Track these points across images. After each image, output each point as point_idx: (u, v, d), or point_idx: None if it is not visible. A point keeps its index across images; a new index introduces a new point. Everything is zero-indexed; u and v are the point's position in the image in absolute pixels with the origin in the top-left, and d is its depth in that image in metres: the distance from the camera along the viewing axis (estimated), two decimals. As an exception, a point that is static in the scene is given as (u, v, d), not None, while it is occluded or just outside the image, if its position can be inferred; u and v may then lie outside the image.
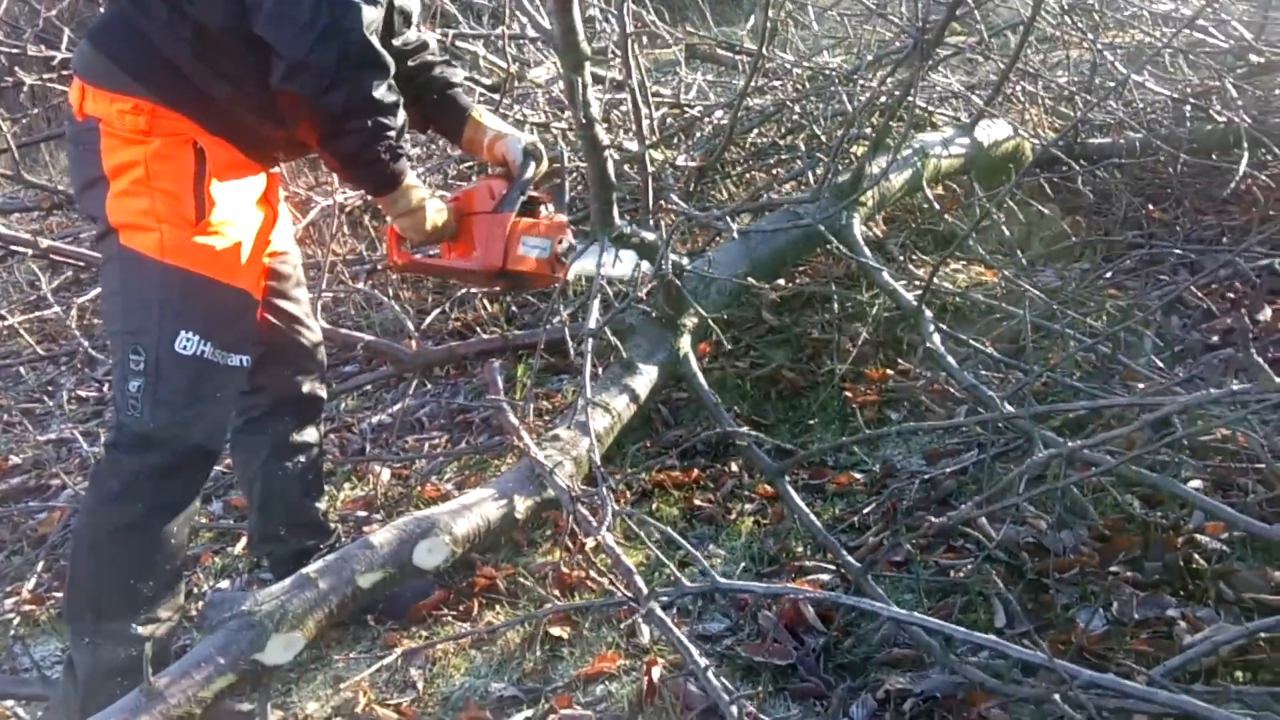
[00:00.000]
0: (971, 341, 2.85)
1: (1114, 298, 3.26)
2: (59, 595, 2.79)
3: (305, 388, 2.44)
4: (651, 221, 2.53)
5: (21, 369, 4.37)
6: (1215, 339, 3.01)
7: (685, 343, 2.93)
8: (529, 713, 2.11)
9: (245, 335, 2.13)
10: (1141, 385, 2.67)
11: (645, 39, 5.00)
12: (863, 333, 3.26)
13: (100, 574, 2.06)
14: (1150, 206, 3.90)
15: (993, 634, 1.81)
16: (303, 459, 2.46)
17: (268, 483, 2.44)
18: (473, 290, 4.01)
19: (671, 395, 3.25)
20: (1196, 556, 2.17)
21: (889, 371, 3.19)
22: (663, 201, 3.09)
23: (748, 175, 4.43)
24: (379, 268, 4.25)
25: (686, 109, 4.63)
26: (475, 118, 2.44)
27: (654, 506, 2.77)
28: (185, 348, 2.00)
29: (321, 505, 2.56)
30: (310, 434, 2.49)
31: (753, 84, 3.44)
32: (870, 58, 4.20)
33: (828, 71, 4.25)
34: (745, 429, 2.72)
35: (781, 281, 3.58)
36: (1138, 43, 4.52)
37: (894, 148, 3.41)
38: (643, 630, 2.27)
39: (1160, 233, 3.70)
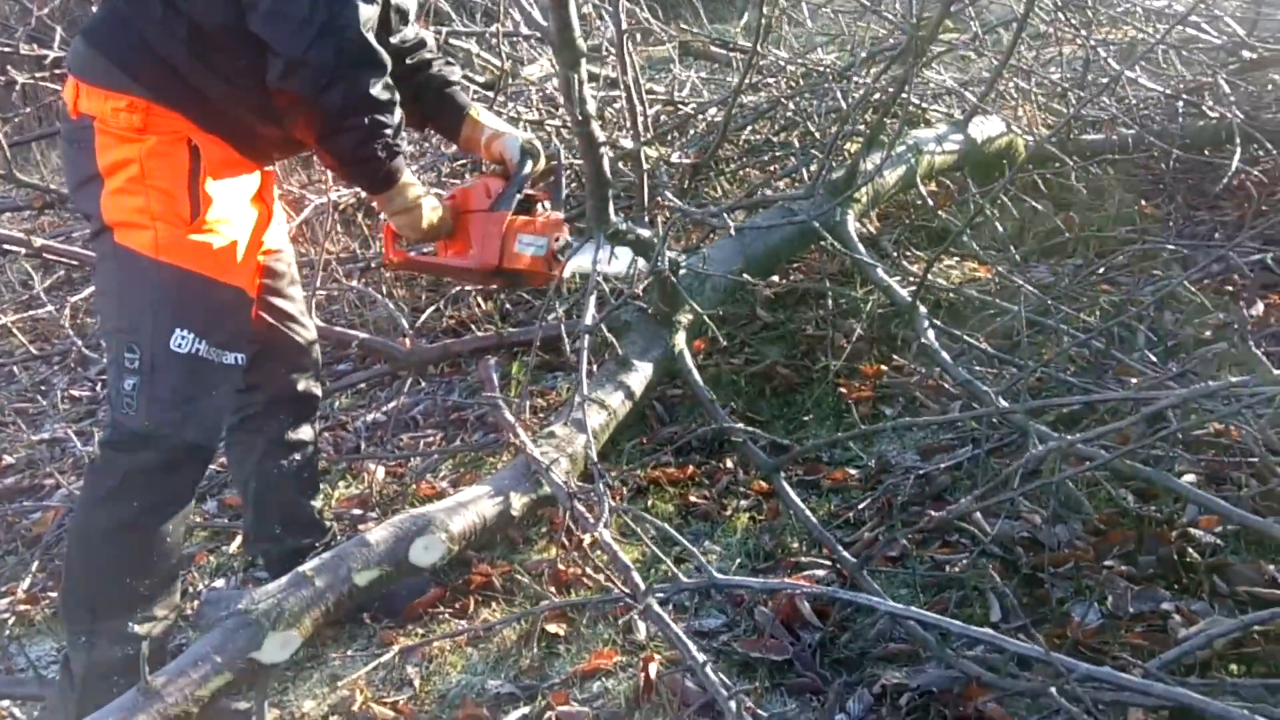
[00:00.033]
0: (966, 337, 2.85)
1: (1107, 293, 3.27)
2: (54, 595, 2.79)
3: (300, 386, 2.43)
4: (647, 218, 2.53)
5: (15, 368, 4.35)
6: (1208, 334, 3.02)
7: (680, 339, 2.93)
8: (526, 710, 2.11)
9: (240, 333, 2.13)
10: (1135, 380, 2.68)
11: (639, 36, 5.00)
12: (857, 329, 3.26)
13: (96, 572, 2.05)
14: (1143, 202, 3.91)
15: (988, 629, 1.81)
16: (298, 457, 2.46)
17: (263, 481, 2.43)
18: (467, 288, 4.00)
19: (666, 392, 3.25)
20: (1190, 550, 2.18)
21: (883, 368, 3.19)
22: (659, 199, 3.09)
23: (741, 172, 4.44)
24: (372, 265, 4.24)
25: (680, 106, 4.63)
26: (473, 116, 2.44)
27: (649, 503, 2.77)
28: (180, 346, 1.99)
29: (317, 503, 2.56)
30: (305, 432, 2.48)
31: (747, 81, 3.43)
32: (864, 55, 4.20)
33: (822, 68, 4.25)
34: (741, 425, 2.72)
35: (775, 278, 3.58)
36: (1131, 39, 4.52)
37: (888, 144, 3.41)
38: (639, 627, 2.28)
39: (1153, 228, 3.71)
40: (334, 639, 2.44)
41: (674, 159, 4.09)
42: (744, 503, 2.72)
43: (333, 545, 2.39)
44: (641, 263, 2.65)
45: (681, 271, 2.78)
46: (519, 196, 2.39)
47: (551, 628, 2.33)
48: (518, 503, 2.33)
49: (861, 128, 3.91)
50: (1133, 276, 3.43)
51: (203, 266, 2.01)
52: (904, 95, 3.22)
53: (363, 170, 2.11)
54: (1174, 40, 4.32)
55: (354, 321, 4.12)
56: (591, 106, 2.12)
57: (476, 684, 2.22)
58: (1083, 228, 3.75)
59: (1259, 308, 3.10)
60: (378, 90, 1.98)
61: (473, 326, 3.91)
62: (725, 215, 2.46)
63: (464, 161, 4.79)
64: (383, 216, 2.35)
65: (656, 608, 1.84)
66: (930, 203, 3.79)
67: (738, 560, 2.49)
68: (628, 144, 3.46)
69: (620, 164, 3.70)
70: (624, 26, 2.30)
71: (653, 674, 2.08)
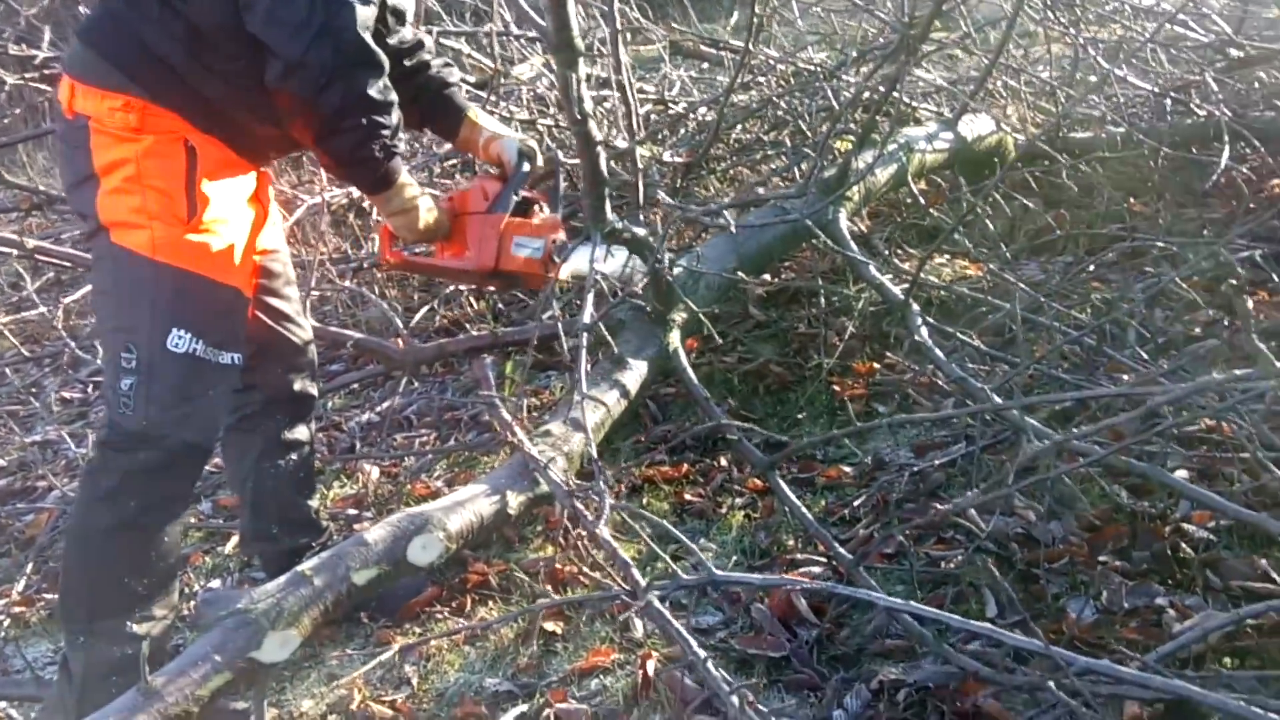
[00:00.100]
0: (959, 335, 2.87)
1: (1097, 290, 3.29)
2: (49, 597, 2.79)
3: (296, 386, 2.44)
4: (642, 217, 2.54)
5: (6, 370, 4.34)
6: (1198, 330, 3.04)
7: (675, 338, 2.94)
8: (524, 708, 2.12)
9: (237, 333, 2.13)
10: (1126, 377, 2.69)
11: (629, 35, 5.00)
12: (849, 327, 3.28)
13: (94, 572, 2.05)
14: (1131, 200, 3.93)
15: (987, 624, 1.82)
16: (295, 457, 2.46)
17: (260, 481, 2.43)
18: (460, 287, 4.00)
19: (659, 391, 3.25)
20: (1184, 545, 2.20)
21: (876, 365, 3.20)
22: (655, 198, 3.09)
23: (732, 171, 4.44)
24: (364, 266, 4.24)
25: (671, 105, 4.64)
26: (471, 118, 2.44)
27: (644, 501, 2.78)
28: (177, 345, 1.99)
29: (314, 503, 2.56)
30: (302, 432, 2.49)
31: (738, 80, 3.44)
32: (854, 54, 4.21)
33: (813, 67, 4.26)
34: (736, 423, 2.73)
35: (767, 277, 3.59)
36: (1119, 37, 4.54)
37: (880, 143, 3.42)
38: (636, 624, 2.28)
39: (1142, 226, 3.72)
40: (331, 638, 2.44)
41: (666, 158, 4.09)
42: (739, 500, 2.73)
43: (329, 545, 2.38)
44: (637, 261, 2.66)
45: (676, 270, 2.79)
46: (516, 198, 2.40)
47: (549, 626, 2.33)
48: (515, 501, 2.33)
49: (853, 126, 3.92)
50: (1123, 274, 3.45)
51: (200, 266, 2.01)
52: (896, 93, 3.23)
53: (360, 171, 2.12)
54: (1161, 38, 4.34)
55: (346, 322, 4.11)
56: (589, 105, 2.13)
57: (474, 682, 2.22)
58: (1073, 225, 3.77)
59: (1249, 304, 3.11)
60: (376, 91, 1.98)
61: (466, 326, 3.91)
62: (727, 214, 2.46)
63: (455, 161, 4.79)
64: (376, 216, 2.35)
65: (657, 604, 1.85)
66: (921, 201, 3.81)
67: (733, 558, 2.50)
68: (620, 144, 3.48)
69: (613, 163, 3.71)
70: (619, 25, 2.29)
71: (650, 671, 2.09)
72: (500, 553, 2.66)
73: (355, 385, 3.79)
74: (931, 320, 2.90)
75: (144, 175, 1.96)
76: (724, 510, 2.69)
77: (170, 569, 2.14)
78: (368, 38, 1.94)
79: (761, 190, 4.01)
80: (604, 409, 2.67)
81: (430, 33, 4.29)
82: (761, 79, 4.53)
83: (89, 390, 4.25)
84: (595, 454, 2.22)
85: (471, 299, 4.07)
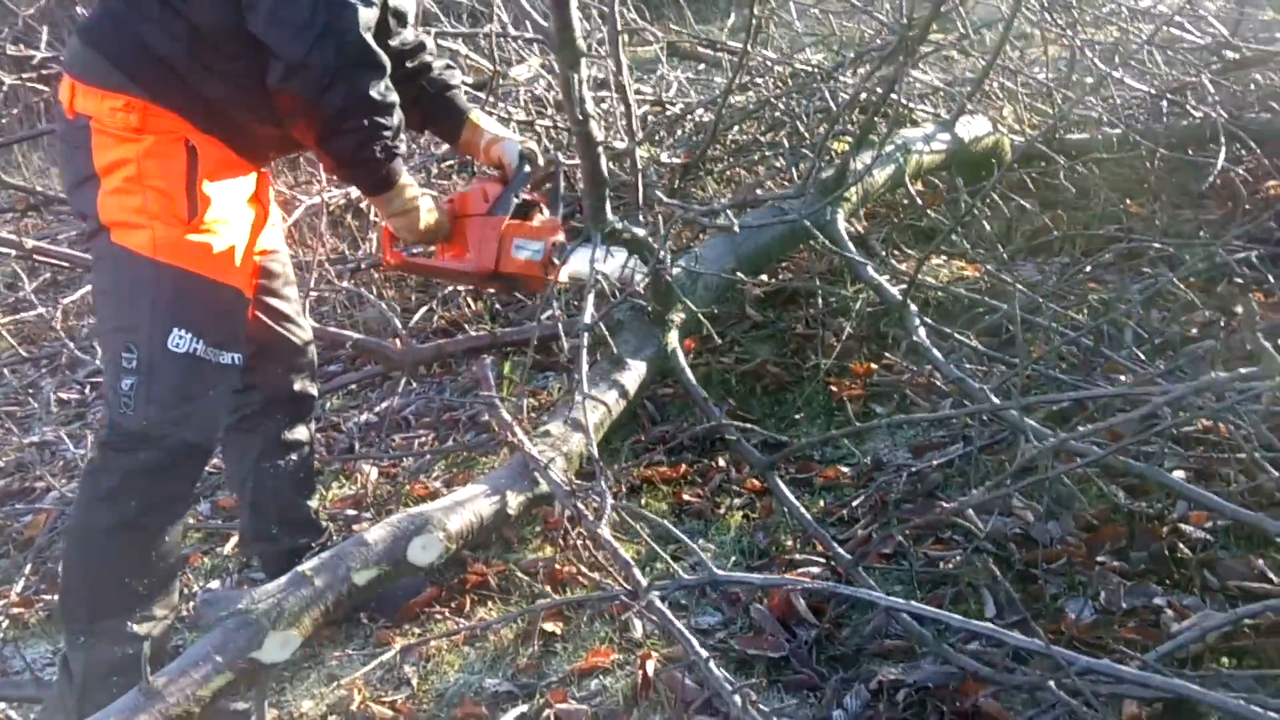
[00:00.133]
0: (956, 336, 2.87)
1: (1094, 291, 3.30)
2: (48, 598, 2.78)
3: (296, 386, 2.44)
4: (642, 218, 2.55)
5: (5, 371, 4.33)
6: (1194, 331, 3.05)
7: (673, 338, 2.94)
8: (524, 708, 2.12)
9: (237, 333, 2.13)
10: (1124, 377, 2.70)
11: (626, 37, 5.00)
12: (846, 328, 3.28)
13: (94, 572, 2.05)
14: (1128, 201, 3.94)
15: (988, 623, 1.83)
16: (294, 457, 2.46)
17: (260, 481, 2.43)
18: (457, 288, 4.01)
19: (657, 391, 3.26)
20: (1181, 546, 2.21)
21: (873, 366, 3.21)
22: (657, 199, 3.10)
23: (729, 172, 4.45)
24: (362, 266, 4.24)
25: (668, 106, 4.65)
26: (473, 120, 2.45)
27: (642, 502, 2.78)
28: (178, 345, 2.00)
29: (313, 503, 2.56)
30: (301, 432, 2.49)
31: (736, 81, 3.45)
32: (852, 55, 4.22)
33: (810, 68, 4.27)
34: (736, 423, 2.74)
35: (765, 278, 3.59)
36: (1116, 39, 4.55)
37: (879, 143, 3.42)
38: (635, 625, 2.29)
39: (1138, 227, 3.73)
40: (331, 639, 2.44)
41: (663, 159, 4.10)
42: (737, 501, 2.73)
43: (329, 545, 2.39)
44: (635, 261, 2.66)
45: (675, 270, 2.80)
46: (516, 201, 2.41)
47: (548, 626, 2.34)
48: (514, 501, 2.33)
49: (850, 127, 3.93)
50: (1119, 275, 3.45)
51: (200, 267, 2.02)
52: (894, 94, 3.23)
53: (362, 172, 2.12)
54: (1158, 40, 4.35)
55: (343, 323, 4.11)
56: (590, 106, 2.13)
57: (474, 682, 2.23)
58: (1069, 226, 3.78)
59: (1251, 303, 3.12)
60: (378, 92, 1.98)
61: (464, 327, 3.91)
62: (729, 214, 2.47)
63: (452, 162, 4.80)
64: (374, 218, 2.36)
65: (659, 604, 1.85)
66: (919, 202, 3.81)
67: (732, 558, 2.50)
68: (617, 145, 3.48)
69: (611, 164, 3.72)
70: (619, 26, 2.30)
71: (650, 671, 2.09)
72: (499, 553, 2.66)
73: (353, 386, 3.80)
74: (929, 321, 2.91)
75: (145, 175, 1.96)
76: (722, 511, 2.70)
77: (171, 569, 2.14)
78: (370, 39, 1.94)
79: (760, 191, 4.02)
80: (603, 409, 2.67)
81: (428, 34, 4.29)
82: (759, 80, 4.53)
83: (86, 391, 4.25)
84: (596, 453, 2.22)
85: (469, 300, 4.07)
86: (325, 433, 3.53)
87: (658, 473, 2.88)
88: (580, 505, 2.15)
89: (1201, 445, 2.46)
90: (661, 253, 2.59)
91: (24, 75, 4.05)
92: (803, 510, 2.38)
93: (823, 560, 2.38)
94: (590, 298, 2.35)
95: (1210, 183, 3.75)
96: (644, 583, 1.92)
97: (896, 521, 2.45)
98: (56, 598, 2.71)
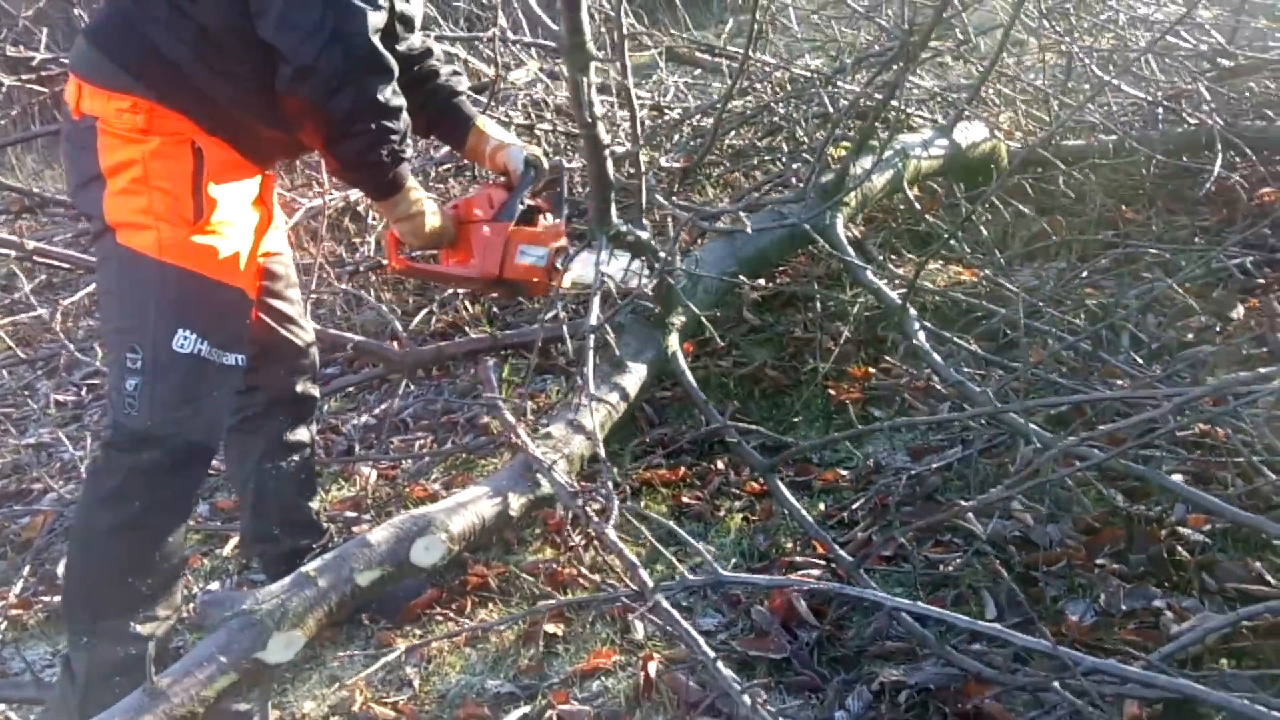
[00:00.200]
0: (956, 340, 2.89)
1: (1090, 296, 3.31)
2: (47, 599, 2.78)
3: (299, 387, 2.44)
4: (645, 220, 2.55)
5: (5, 373, 4.32)
6: (1190, 336, 3.07)
7: (674, 341, 2.95)
8: (526, 709, 2.13)
9: (241, 334, 2.13)
10: (1121, 382, 2.72)
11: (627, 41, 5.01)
12: (844, 331, 3.29)
13: (97, 573, 2.05)
14: (1124, 207, 3.96)
15: (995, 624, 1.84)
16: (296, 458, 2.47)
17: (262, 482, 2.44)
18: (457, 291, 4.02)
19: (655, 394, 3.26)
20: (1180, 548, 2.22)
21: (871, 370, 3.22)
22: (669, 201, 3.11)
23: (726, 177, 4.46)
24: (360, 269, 4.24)
25: (666, 111, 4.66)
26: (479, 126, 2.46)
27: (642, 504, 2.78)
28: (183, 346, 2.00)
29: (315, 505, 2.56)
30: (303, 433, 2.49)
31: (736, 86, 3.46)
32: (850, 60, 4.23)
33: (809, 74, 4.29)
34: (739, 425, 2.74)
35: (763, 281, 3.60)
36: (1113, 46, 4.58)
37: (879, 148, 3.44)
38: (636, 626, 2.29)
39: (1134, 233, 3.76)
40: (332, 640, 2.44)
41: (663, 163, 4.11)
42: (737, 504, 2.74)
43: (330, 547, 2.40)
44: (637, 265, 2.67)
45: (676, 273, 2.81)
46: (521, 207, 2.42)
47: (550, 628, 2.34)
48: (516, 503, 2.33)
49: (850, 132, 3.94)
50: (1117, 280, 3.47)
51: (205, 268, 2.02)
52: (895, 100, 3.25)
53: (368, 175, 2.13)
54: (1156, 47, 4.38)
55: (341, 325, 4.11)
56: (598, 109, 2.14)
57: (476, 684, 2.23)
58: (1067, 232, 3.80)
59: (1239, 310, 3.15)
60: (385, 96, 1.99)
61: (463, 329, 3.92)
62: (741, 215, 2.48)
63: (449, 165, 4.81)
64: (372, 220, 2.36)
65: (665, 604, 1.86)
66: (917, 207, 3.83)
67: (732, 560, 2.51)
68: (618, 149, 3.49)
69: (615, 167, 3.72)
70: (622, 30, 2.31)
71: (652, 673, 2.10)
72: (499, 555, 2.66)
73: (350, 388, 3.80)
74: (928, 325, 2.92)
75: (151, 176, 1.96)
76: (722, 513, 2.71)
77: (174, 569, 2.14)
78: (378, 43, 1.95)
79: (757, 195, 4.03)
80: (605, 411, 2.67)
81: (428, 38, 4.30)
82: (758, 85, 4.55)
83: (83, 393, 4.24)
84: (603, 453, 2.22)
85: (467, 302, 4.08)
86: (324, 435, 3.53)
87: (657, 475, 2.88)
88: (585, 506, 2.15)
89: (1199, 449, 2.48)
90: (671, 255, 2.60)
91: (24, 77, 4.05)
92: (804, 512, 2.39)
93: (823, 562, 2.39)
94: (596, 300, 2.36)
95: (1206, 189, 3.77)
96: (650, 584, 1.93)
97: (899, 524, 2.46)
98: (55, 599, 2.71)
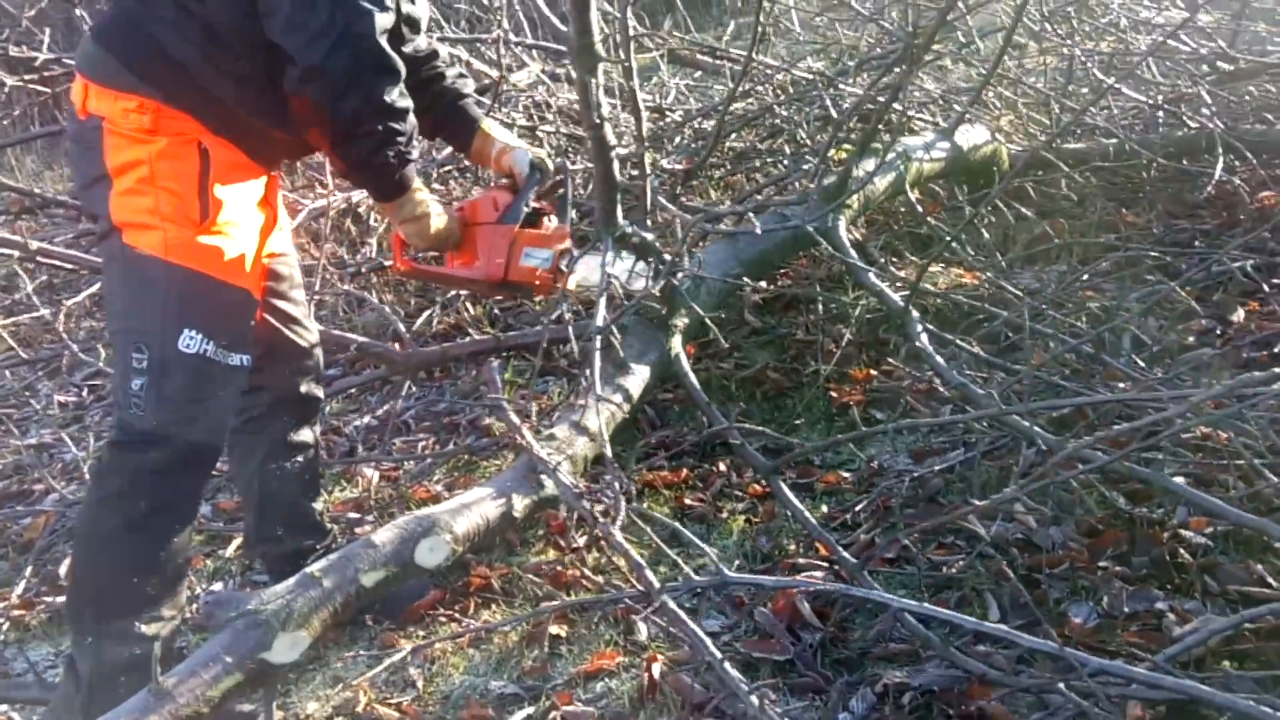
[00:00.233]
0: (958, 342, 2.89)
1: (1091, 299, 3.32)
2: (49, 600, 2.78)
3: (303, 388, 2.45)
4: (649, 222, 2.56)
5: (7, 374, 4.32)
6: (1191, 339, 3.08)
7: (677, 343, 2.95)
8: (530, 710, 2.13)
9: (246, 335, 2.13)
10: (1123, 385, 2.72)
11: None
12: (846, 334, 3.30)
13: (102, 573, 2.05)
14: (1124, 210, 3.97)
15: (1001, 625, 1.84)
16: (300, 459, 2.47)
17: (265, 483, 2.44)
18: (460, 293, 4.02)
19: (657, 396, 3.27)
20: (1182, 551, 2.22)
21: (873, 372, 3.23)
22: (664, 204, 3.11)
23: (728, 179, 4.47)
24: (362, 270, 4.25)
25: (668, 113, 4.67)
26: (484, 129, 2.47)
27: (645, 506, 2.78)
28: (188, 346, 2.00)
29: (319, 505, 2.56)
30: (307, 434, 2.50)
31: (739, 88, 3.47)
32: (853, 63, 4.24)
33: (811, 76, 4.29)
34: (743, 426, 2.75)
35: (764, 284, 3.61)
36: (1114, 50, 4.59)
37: (882, 151, 3.44)
38: (640, 628, 2.29)
39: (1135, 236, 3.76)
40: (335, 641, 2.44)
41: (664, 165, 4.12)
42: (739, 506, 2.74)
43: (334, 547, 2.40)
44: (642, 266, 2.68)
45: (680, 275, 2.81)
46: (526, 209, 2.43)
47: (553, 629, 2.34)
48: (520, 504, 2.34)
49: (852, 135, 3.95)
50: (1118, 283, 3.48)
51: (211, 268, 2.02)
52: (898, 102, 3.25)
53: (374, 176, 2.13)
54: (1157, 51, 4.38)
55: (342, 326, 4.11)
56: (606, 110, 2.15)
57: (480, 685, 2.23)
58: (1069, 234, 3.80)
59: (1239, 314, 3.16)
60: (392, 98, 1.99)
61: (466, 330, 3.92)
62: (750, 216, 2.49)
63: (451, 167, 4.81)
64: (374, 222, 2.37)
65: (672, 605, 1.86)
66: (919, 209, 3.84)
67: (735, 562, 2.51)
68: (621, 151, 3.50)
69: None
70: (627, 32, 2.31)
71: (656, 674, 2.10)
72: (502, 556, 2.66)
73: (352, 390, 3.80)
74: (930, 327, 2.93)
75: (157, 177, 1.97)
76: (724, 515, 2.71)
77: (179, 570, 2.14)
78: (385, 45, 1.95)
79: (759, 198, 4.03)
80: (609, 412, 2.68)
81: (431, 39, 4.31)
82: (760, 88, 4.55)
83: (85, 394, 4.24)
84: (610, 453, 2.22)
85: (469, 304, 4.08)
86: (326, 436, 3.53)
87: (659, 477, 2.88)
88: (590, 507, 2.16)
89: (1201, 452, 2.48)
90: (681, 257, 2.60)
91: (25, 77, 4.05)
92: (807, 514, 2.40)
93: (826, 564, 2.39)
94: (602, 301, 2.37)
95: (1206, 192, 3.78)
96: (656, 584, 1.93)
97: (903, 525, 2.46)
98: (58, 600, 2.71)
